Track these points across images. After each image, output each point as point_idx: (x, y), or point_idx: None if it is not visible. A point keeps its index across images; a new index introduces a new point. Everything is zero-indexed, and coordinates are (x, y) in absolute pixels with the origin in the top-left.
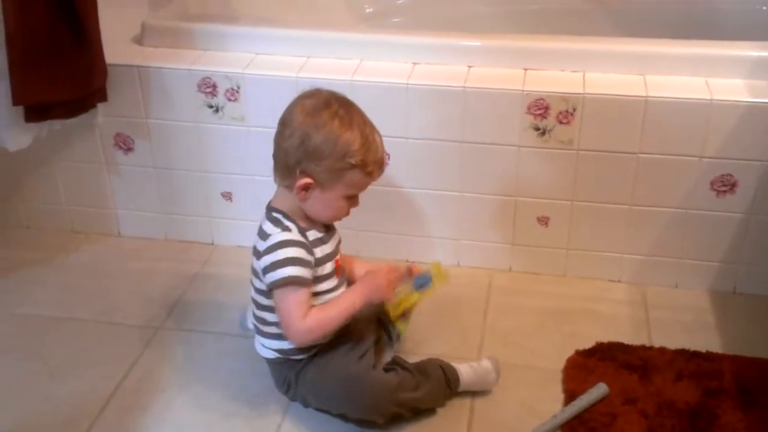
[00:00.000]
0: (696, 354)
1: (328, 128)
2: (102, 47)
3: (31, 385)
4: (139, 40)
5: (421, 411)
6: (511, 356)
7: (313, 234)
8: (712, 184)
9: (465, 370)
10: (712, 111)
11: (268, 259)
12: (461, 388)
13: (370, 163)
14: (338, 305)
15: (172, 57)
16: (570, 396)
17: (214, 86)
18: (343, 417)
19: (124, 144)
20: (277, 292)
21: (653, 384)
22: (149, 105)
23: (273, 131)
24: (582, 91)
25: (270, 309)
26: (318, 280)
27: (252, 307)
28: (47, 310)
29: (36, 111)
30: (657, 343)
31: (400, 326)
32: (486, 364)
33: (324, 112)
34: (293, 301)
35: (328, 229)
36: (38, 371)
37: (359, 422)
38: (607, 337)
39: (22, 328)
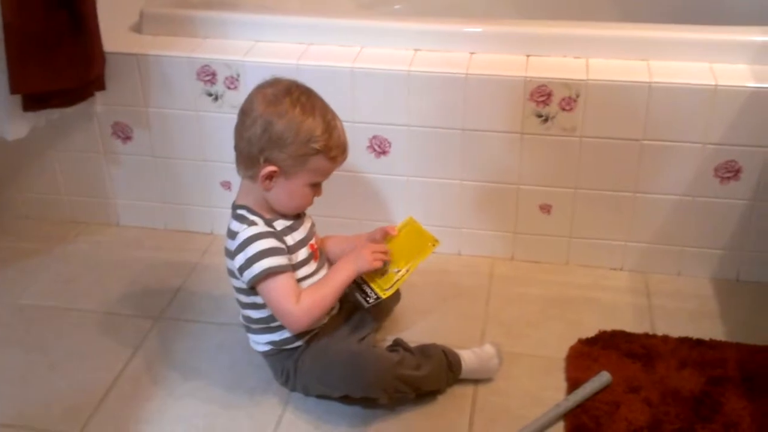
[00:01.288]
0: (699, 342)
1: (290, 115)
2: (100, 35)
3: (32, 376)
4: (137, 28)
5: (423, 392)
6: (514, 345)
7: (281, 223)
8: (716, 170)
9: (467, 355)
10: (717, 97)
11: (241, 258)
12: (464, 374)
13: (333, 147)
14: (328, 282)
15: (170, 45)
16: (573, 384)
17: (214, 74)
18: (346, 399)
19: (123, 133)
20: (260, 288)
21: (656, 372)
22: (148, 93)
23: None
24: (585, 78)
25: (253, 306)
26: (294, 267)
27: (238, 307)
28: (47, 300)
29: (34, 100)
30: (660, 331)
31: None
32: (488, 349)
33: (285, 99)
34: (279, 290)
35: (297, 216)
36: (39, 362)
37: (363, 401)
38: (609, 325)
39: (23, 319)
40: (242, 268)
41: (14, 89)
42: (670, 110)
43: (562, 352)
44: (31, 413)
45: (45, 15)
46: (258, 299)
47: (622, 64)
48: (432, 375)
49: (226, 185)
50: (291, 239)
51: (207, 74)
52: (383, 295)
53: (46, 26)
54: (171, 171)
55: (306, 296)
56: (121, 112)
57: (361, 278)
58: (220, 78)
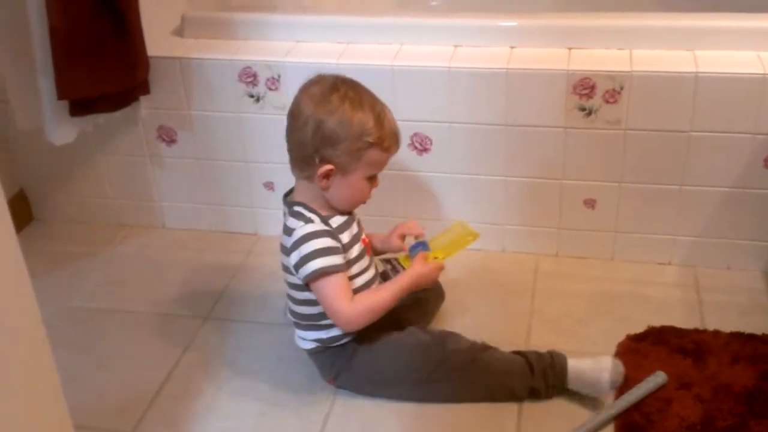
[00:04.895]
0: (752, 336)
1: (340, 111)
2: (144, 40)
3: (83, 377)
4: (179, 32)
5: (491, 387)
6: (560, 342)
7: (336, 221)
8: (766, 161)
9: (578, 360)
10: (766, 85)
11: (296, 255)
12: (571, 377)
13: (386, 138)
14: (388, 287)
15: (212, 48)
16: (623, 382)
17: (255, 76)
18: (398, 396)
19: (167, 136)
20: (314, 286)
21: (708, 368)
22: (191, 96)
23: None
24: (629, 69)
25: (305, 303)
26: (349, 264)
27: (288, 302)
28: (96, 302)
29: (80, 105)
30: (710, 326)
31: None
32: (606, 360)
33: (333, 96)
34: (332, 289)
35: (350, 212)
36: (89, 362)
37: (414, 397)
38: (658, 321)
39: (72, 321)
40: (297, 265)
41: (61, 95)
42: (718, 100)
43: (610, 349)
44: (83, 413)
45: (90, 20)
46: (311, 296)
47: (667, 54)
48: (498, 364)
49: (269, 186)
50: (347, 235)
51: (248, 76)
52: None
53: (91, 31)
54: (214, 173)
55: (362, 299)
56: (165, 116)
57: (397, 261)
58: (262, 79)
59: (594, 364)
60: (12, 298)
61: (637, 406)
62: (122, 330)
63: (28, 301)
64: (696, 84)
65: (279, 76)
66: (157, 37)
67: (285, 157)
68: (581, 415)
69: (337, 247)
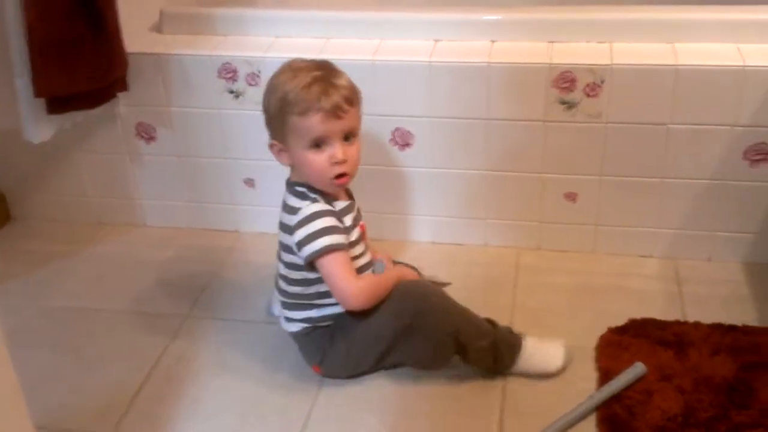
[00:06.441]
0: (732, 328)
1: (267, 86)
2: (121, 36)
3: (63, 377)
4: (158, 28)
5: (465, 347)
6: (542, 335)
7: (339, 204)
8: (745, 153)
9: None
10: (745, 78)
11: (302, 233)
12: (523, 357)
13: (296, 102)
14: (387, 282)
15: (191, 44)
16: (604, 374)
17: (235, 71)
18: (381, 362)
19: (146, 133)
20: (320, 262)
21: (689, 360)
22: (170, 93)
23: None
24: (610, 62)
25: (300, 282)
26: (350, 245)
27: (280, 283)
28: (77, 301)
29: (58, 103)
30: (691, 318)
31: None
32: (557, 344)
33: (273, 76)
34: (339, 265)
35: (349, 197)
36: (70, 362)
37: (418, 360)
38: (639, 313)
39: (52, 320)
40: (302, 243)
41: (38, 92)
42: (698, 93)
43: (592, 341)
44: (63, 414)
45: (66, 18)
46: (310, 275)
47: (647, 47)
48: (474, 322)
49: (250, 183)
50: (349, 219)
51: (228, 72)
52: None
53: (68, 29)
54: (195, 170)
55: (365, 277)
56: (144, 113)
57: None
58: (242, 75)
59: (545, 353)
60: None
61: (618, 399)
62: (103, 329)
63: None
64: (676, 76)
65: (259, 72)
66: (136, 33)
67: (266, 153)
68: (562, 407)
69: (341, 228)
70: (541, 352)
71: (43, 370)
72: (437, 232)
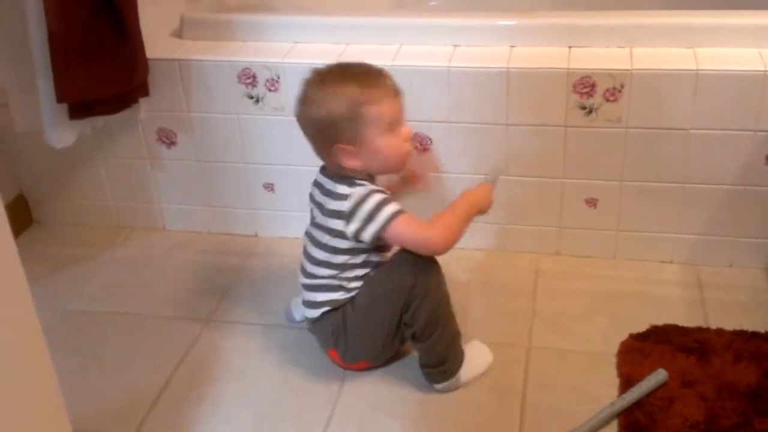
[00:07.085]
0: (755, 334)
1: (323, 99)
2: (143, 42)
3: (84, 380)
4: (178, 34)
5: (452, 332)
6: (562, 341)
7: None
8: (767, 158)
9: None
10: (767, 82)
11: (363, 213)
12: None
13: (372, 93)
14: (456, 210)
15: (211, 49)
16: (626, 380)
17: (254, 77)
18: (395, 326)
19: (167, 138)
20: (391, 230)
21: (712, 366)
22: (190, 98)
23: None
24: (629, 67)
25: (341, 267)
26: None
27: (306, 265)
28: (97, 305)
29: (80, 108)
30: (714, 324)
31: None
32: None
33: (310, 90)
34: (413, 224)
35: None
36: (90, 366)
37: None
38: (661, 319)
39: (73, 324)
40: (365, 222)
41: (60, 98)
42: (719, 98)
43: (613, 347)
44: (83, 417)
45: (88, 22)
46: (355, 259)
47: (668, 52)
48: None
49: (269, 187)
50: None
51: (248, 77)
52: None
53: (90, 34)
54: (214, 174)
55: (435, 220)
56: (164, 118)
57: None
58: (261, 80)
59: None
60: (10, 306)
61: (640, 405)
62: (123, 333)
63: (26, 309)
64: (696, 81)
65: (278, 77)
66: (156, 38)
67: (284, 158)
68: (583, 413)
69: (393, 197)
70: (472, 353)
71: (63, 373)
72: None
